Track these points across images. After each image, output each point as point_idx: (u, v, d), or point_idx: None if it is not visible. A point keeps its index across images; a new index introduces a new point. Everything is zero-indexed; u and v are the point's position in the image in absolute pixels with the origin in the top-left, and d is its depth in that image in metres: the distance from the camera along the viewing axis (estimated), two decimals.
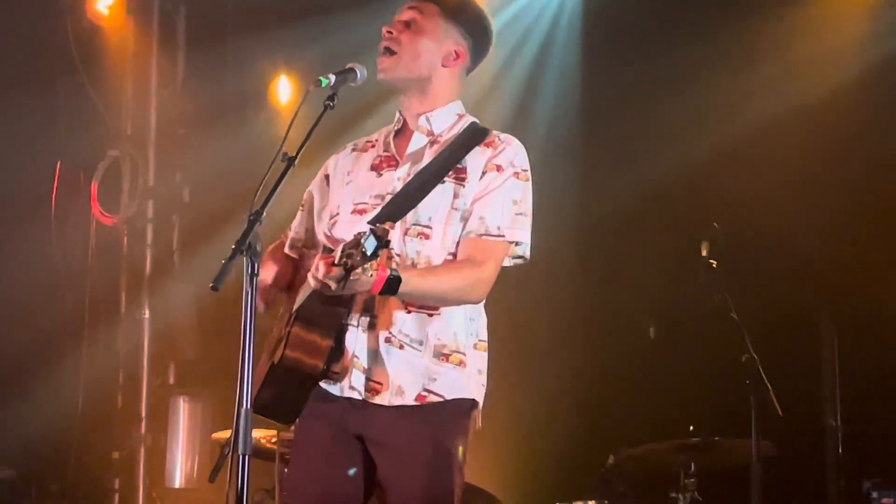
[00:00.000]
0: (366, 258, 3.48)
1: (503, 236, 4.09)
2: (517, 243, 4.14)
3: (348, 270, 3.55)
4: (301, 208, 4.49)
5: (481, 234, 4.07)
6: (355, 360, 4.05)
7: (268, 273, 4.28)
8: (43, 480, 8.11)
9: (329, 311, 4.00)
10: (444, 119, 4.28)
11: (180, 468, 8.71)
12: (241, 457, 3.52)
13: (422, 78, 4.25)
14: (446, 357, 4.09)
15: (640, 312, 7.48)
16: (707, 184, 7.65)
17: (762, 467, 5.92)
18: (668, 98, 7.86)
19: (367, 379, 4.05)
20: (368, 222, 3.86)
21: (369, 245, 3.44)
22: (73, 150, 8.58)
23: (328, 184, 4.40)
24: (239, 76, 8.96)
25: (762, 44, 7.82)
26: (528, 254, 4.19)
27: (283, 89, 9.12)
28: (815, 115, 7.58)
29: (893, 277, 7.30)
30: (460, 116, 4.31)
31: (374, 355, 4.06)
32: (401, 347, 4.05)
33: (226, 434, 6.37)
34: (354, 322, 4.07)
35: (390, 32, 4.24)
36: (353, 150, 4.41)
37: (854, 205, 7.48)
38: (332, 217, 4.29)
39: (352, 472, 4.12)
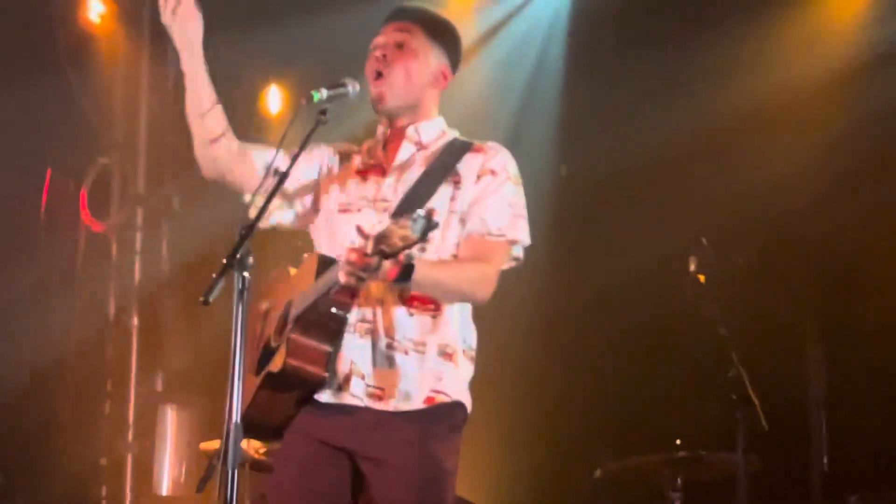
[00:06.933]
0: (410, 241, 3.45)
1: (504, 236, 4.15)
2: (516, 242, 4.19)
3: (392, 254, 3.52)
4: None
5: (483, 235, 4.13)
6: (354, 366, 4.07)
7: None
8: (30, 486, 8.08)
9: (327, 317, 4.01)
10: (431, 131, 4.34)
11: (167, 476, 8.69)
12: (230, 472, 3.52)
13: (416, 102, 4.32)
14: (449, 356, 4.13)
15: None
16: (696, 197, 7.67)
17: (748, 481, 5.93)
18: (652, 108, 7.89)
19: (367, 385, 4.07)
20: (393, 216, 3.98)
21: (418, 227, 3.42)
22: (63, 157, 8.56)
23: (312, 154, 4.39)
24: (229, 85, 8.89)
25: (743, 56, 7.83)
26: (522, 255, 4.23)
27: (273, 98, 9.09)
28: (803, 113, 7.61)
29: (881, 290, 7.31)
30: (444, 132, 4.38)
31: (375, 361, 4.08)
32: (406, 353, 4.08)
33: (213, 444, 6.37)
34: (351, 328, 4.08)
35: (385, 56, 4.27)
36: (338, 152, 4.44)
37: (842, 217, 7.48)
38: (313, 202, 4.35)
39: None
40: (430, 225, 3.42)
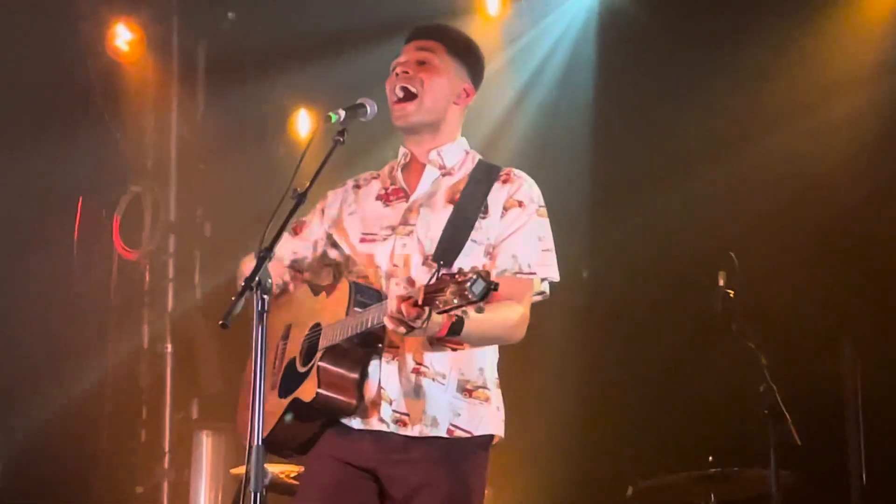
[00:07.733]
0: (467, 301, 3.38)
1: (535, 273, 4.12)
2: (546, 279, 4.16)
3: (445, 311, 3.47)
4: (294, 234, 4.46)
5: (516, 273, 4.10)
6: (383, 391, 4.05)
7: None
8: None
9: (361, 349, 4.01)
10: (454, 154, 4.32)
11: (203, 502, 8.71)
12: (253, 494, 3.51)
13: (438, 119, 4.29)
14: (470, 392, 4.10)
15: None
16: (724, 211, 7.62)
17: (782, 497, 5.88)
18: (683, 127, 7.85)
19: (394, 411, 4.05)
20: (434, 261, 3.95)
21: (478, 288, 3.35)
22: (95, 186, 8.64)
23: (323, 216, 4.42)
24: (259, 110, 8.99)
25: (775, 59, 7.79)
26: (548, 290, 4.21)
27: (303, 122, 9.12)
28: (839, 114, 7.54)
29: None
30: (467, 153, 4.35)
31: (403, 387, 4.06)
32: (433, 379, 4.06)
33: (243, 469, 6.37)
34: (379, 354, 4.08)
35: (406, 72, 4.25)
36: (355, 185, 4.43)
37: (881, 223, 7.41)
38: (335, 245, 4.33)
39: None
40: (489, 286, 3.35)
